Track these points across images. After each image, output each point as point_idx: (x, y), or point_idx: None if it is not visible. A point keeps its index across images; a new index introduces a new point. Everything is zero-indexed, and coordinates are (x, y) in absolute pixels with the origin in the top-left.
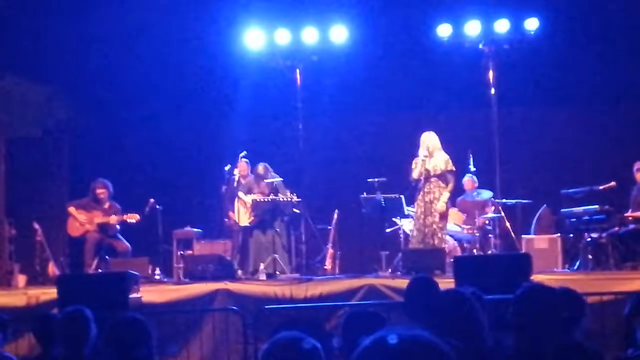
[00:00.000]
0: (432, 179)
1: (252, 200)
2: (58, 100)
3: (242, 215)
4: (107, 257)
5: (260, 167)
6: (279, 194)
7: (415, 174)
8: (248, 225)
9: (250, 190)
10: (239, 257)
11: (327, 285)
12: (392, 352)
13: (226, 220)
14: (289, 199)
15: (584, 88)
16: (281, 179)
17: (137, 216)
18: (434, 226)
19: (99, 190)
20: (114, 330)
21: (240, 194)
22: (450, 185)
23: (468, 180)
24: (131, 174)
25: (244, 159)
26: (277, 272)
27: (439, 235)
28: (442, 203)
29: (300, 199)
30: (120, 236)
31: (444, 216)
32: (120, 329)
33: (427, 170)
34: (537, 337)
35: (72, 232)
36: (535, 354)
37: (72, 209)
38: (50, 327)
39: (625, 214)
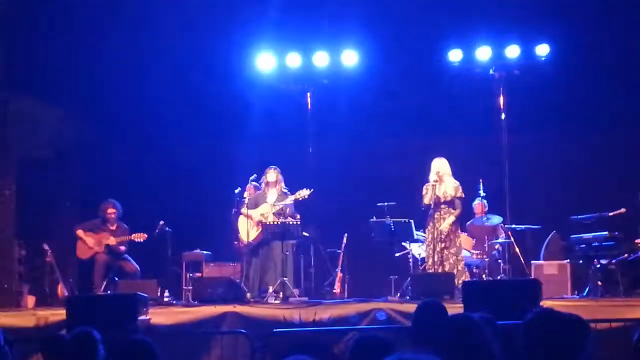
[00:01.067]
0: (442, 206)
1: (262, 222)
2: (70, 121)
3: (247, 232)
4: (116, 278)
5: (271, 173)
6: (288, 217)
7: (426, 200)
8: (253, 241)
9: (257, 204)
10: (246, 279)
11: (336, 309)
12: None
13: (235, 243)
14: (297, 222)
15: (594, 114)
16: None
17: (145, 235)
18: (446, 252)
19: (109, 211)
20: (122, 352)
21: (244, 210)
22: (458, 211)
23: (478, 204)
24: (142, 196)
25: (253, 182)
26: (286, 296)
27: (450, 261)
28: (446, 224)
29: (299, 222)
30: (129, 257)
31: (453, 242)
32: (128, 351)
33: (437, 197)
34: None
35: (81, 255)
36: None
37: (80, 232)
38: (59, 348)
39: (636, 241)
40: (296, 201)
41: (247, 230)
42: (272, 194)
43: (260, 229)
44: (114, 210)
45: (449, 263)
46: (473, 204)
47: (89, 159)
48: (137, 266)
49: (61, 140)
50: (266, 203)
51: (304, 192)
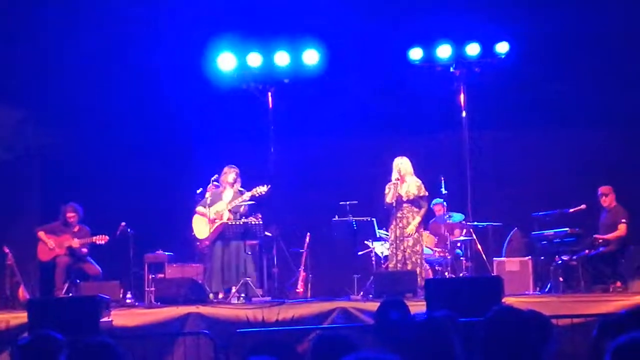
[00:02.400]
0: (405, 205)
1: (222, 223)
2: (29, 124)
3: (202, 228)
4: (77, 280)
5: (230, 172)
6: (250, 217)
7: (388, 199)
8: (206, 240)
9: (213, 202)
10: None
11: (299, 309)
12: None
13: (198, 244)
14: (259, 221)
15: (554, 111)
16: (252, 202)
17: (106, 237)
18: (408, 250)
19: (69, 214)
20: (84, 354)
21: (199, 208)
22: (423, 210)
23: (437, 206)
24: (102, 198)
25: (214, 182)
26: (249, 296)
27: (413, 259)
28: (412, 227)
29: (261, 221)
30: (91, 259)
31: (417, 241)
32: (90, 353)
33: (400, 195)
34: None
35: (42, 256)
36: None
37: (41, 234)
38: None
39: (595, 237)
40: (253, 198)
41: (200, 228)
42: (228, 193)
43: (214, 227)
44: (73, 214)
45: (411, 262)
46: (431, 205)
47: (50, 160)
48: (99, 268)
49: (21, 142)
50: (222, 201)
51: (261, 189)
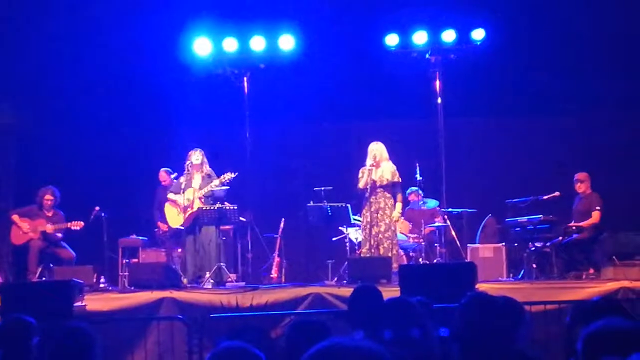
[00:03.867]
0: (378, 190)
1: (198, 208)
2: (3, 104)
3: (174, 217)
4: (51, 265)
5: (196, 155)
6: (225, 203)
7: (361, 184)
8: (182, 226)
9: (180, 188)
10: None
11: (273, 294)
12: None
13: (156, 230)
14: (233, 207)
15: (530, 98)
16: (227, 187)
17: (81, 223)
18: (380, 236)
19: (46, 197)
20: (58, 338)
21: (170, 195)
22: (399, 196)
23: (412, 195)
24: (76, 181)
25: (163, 169)
26: (223, 281)
27: (385, 244)
28: (396, 213)
29: (236, 207)
30: (64, 244)
31: (390, 226)
32: (63, 337)
33: (374, 181)
34: (480, 346)
35: (15, 240)
36: None
37: (15, 217)
38: None
39: (569, 224)
40: (222, 184)
41: (172, 216)
42: (197, 178)
43: (187, 215)
44: (51, 197)
45: (383, 247)
46: (407, 193)
47: (23, 143)
48: (73, 253)
49: None
50: (191, 188)
51: (228, 176)
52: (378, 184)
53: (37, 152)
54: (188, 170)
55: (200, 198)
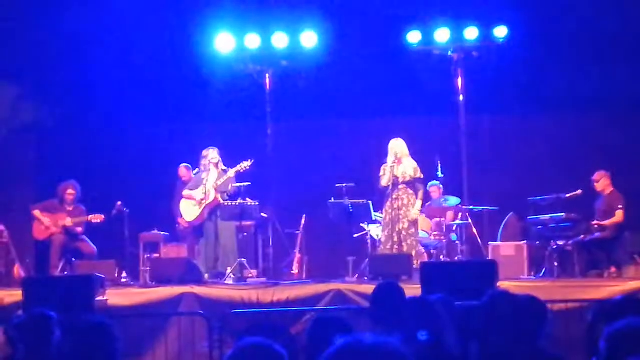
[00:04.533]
0: (401, 186)
1: (219, 202)
2: (25, 100)
3: (190, 210)
4: (73, 259)
5: (213, 154)
6: (246, 199)
7: (384, 182)
8: (195, 221)
9: (197, 184)
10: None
11: (294, 290)
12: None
13: (177, 225)
14: (255, 203)
15: (552, 96)
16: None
17: (102, 216)
18: (404, 233)
19: (68, 191)
20: (79, 333)
21: (185, 192)
22: (421, 193)
23: (434, 189)
24: (98, 176)
25: (183, 165)
26: (244, 277)
27: (408, 242)
28: (415, 211)
29: (257, 202)
30: (86, 238)
31: (413, 223)
32: (85, 332)
33: (396, 177)
34: (501, 344)
35: (37, 235)
36: None
37: (36, 212)
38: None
39: (592, 223)
40: (243, 177)
41: (188, 210)
42: (213, 174)
43: (202, 207)
44: (73, 192)
45: (407, 244)
46: (428, 187)
47: (45, 138)
48: (95, 247)
49: (16, 119)
50: (208, 182)
51: (245, 164)
52: (401, 180)
53: (57, 148)
54: (206, 168)
55: (215, 189)
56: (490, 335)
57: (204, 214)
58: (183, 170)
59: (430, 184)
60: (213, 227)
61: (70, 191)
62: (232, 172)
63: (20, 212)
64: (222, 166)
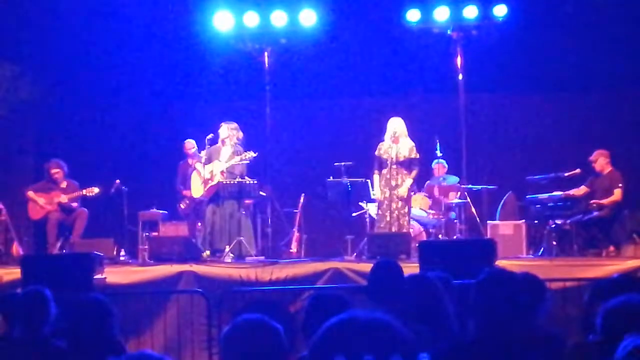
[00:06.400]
0: (395, 166)
1: (219, 182)
2: (25, 79)
3: (196, 187)
4: (70, 235)
5: (223, 129)
6: (245, 177)
7: (375, 194)
8: (201, 197)
9: (210, 159)
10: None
11: (293, 269)
12: (354, 333)
13: (180, 204)
14: (253, 181)
15: (551, 75)
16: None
17: (96, 189)
18: (397, 212)
19: (53, 170)
20: (77, 310)
21: (198, 165)
22: (414, 173)
23: (438, 166)
24: (97, 155)
25: (187, 140)
26: (242, 255)
27: (401, 221)
28: (404, 189)
29: (256, 181)
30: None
31: (406, 202)
32: (83, 309)
33: (391, 157)
34: (498, 322)
35: (33, 215)
36: (496, 339)
37: (30, 193)
38: (11, 306)
39: (591, 202)
40: (242, 161)
41: (196, 186)
42: (225, 151)
43: (207, 188)
44: (57, 170)
45: (398, 224)
46: (432, 164)
47: (44, 117)
48: (84, 209)
49: (15, 98)
50: (218, 161)
51: (249, 154)
52: (395, 160)
53: (58, 125)
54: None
55: (222, 172)
56: (487, 313)
57: (208, 194)
58: (187, 144)
59: (435, 161)
60: (214, 206)
61: (55, 170)
62: (237, 160)
63: (20, 190)
64: (235, 142)
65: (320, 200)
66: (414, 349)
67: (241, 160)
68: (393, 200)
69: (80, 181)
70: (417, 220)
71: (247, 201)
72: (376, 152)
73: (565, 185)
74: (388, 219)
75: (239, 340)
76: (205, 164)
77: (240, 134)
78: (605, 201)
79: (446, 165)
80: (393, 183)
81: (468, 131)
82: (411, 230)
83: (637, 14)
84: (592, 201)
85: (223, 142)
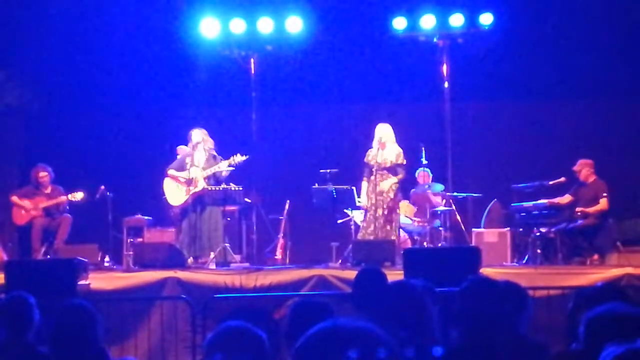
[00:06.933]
0: (381, 172)
1: (203, 188)
2: (11, 84)
3: (175, 194)
4: (54, 241)
5: (196, 134)
6: (230, 184)
7: (362, 201)
8: (182, 205)
9: (182, 166)
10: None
11: (277, 275)
12: (336, 341)
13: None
14: (239, 188)
15: (537, 83)
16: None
17: (81, 194)
18: (383, 219)
19: (40, 174)
20: (61, 316)
21: (171, 171)
22: (400, 175)
23: (422, 174)
24: (82, 160)
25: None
26: (227, 262)
27: (387, 227)
28: (387, 183)
29: (241, 188)
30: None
31: (392, 209)
32: (67, 315)
33: (378, 163)
34: (481, 330)
35: (17, 220)
36: (479, 346)
37: (15, 199)
38: None
39: (577, 209)
40: (230, 166)
41: (173, 193)
42: (199, 156)
43: (189, 195)
44: (45, 174)
45: (385, 230)
46: (416, 173)
47: (30, 122)
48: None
49: (1, 103)
50: (195, 167)
51: (239, 158)
52: (382, 166)
53: (43, 132)
54: (191, 150)
55: (205, 178)
56: (469, 321)
57: (191, 199)
58: (182, 150)
59: (419, 169)
60: (198, 213)
61: (42, 173)
62: (225, 164)
63: (5, 195)
64: (210, 146)
65: (305, 207)
66: (396, 357)
67: (228, 164)
68: (379, 207)
69: (65, 187)
70: (402, 228)
71: (231, 208)
72: (365, 159)
73: (550, 193)
74: (376, 224)
75: (222, 348)
76: (181, 170)
77: (212, 141)
78: (591, 209)
79: (431, 174)
80: (378, 189)
81: (453, 139)
82: (395, 238)
83: (624, 22)
84: (577, 209)
85: (195, 147)
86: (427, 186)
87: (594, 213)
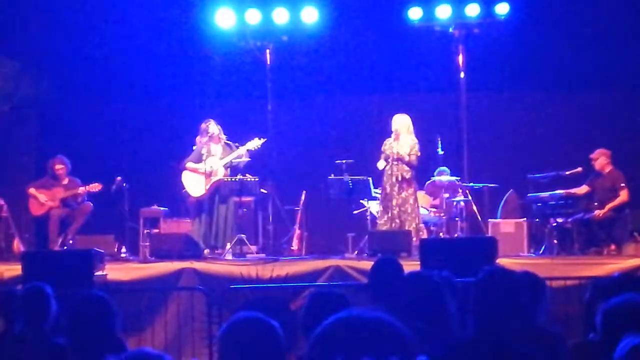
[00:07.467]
0: (396, 162)
1: (220, 179)
2: (27, 75)
3: (195, 186)
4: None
5: (212, 126)
6: (246, 175)
7: (380, 164)
8: (202, 196)
9: (200, 158)
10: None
11: (293, 266)
12: (352, 332)
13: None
14: (254, 178)
15: (553, 73)
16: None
17: (99, 185)
18: (397, 209)
19: (57, 166)
20: (78, 307)
21: (189, 164)
22: (412, 189)
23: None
24: (99, 151)
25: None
26: (244, 252)
27: (403, 217)
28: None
29: (257, 178)
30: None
31: (406, 200)
32: (84, 306)
33: (393, 153)
34: (498, 320)
35: (34, 211)
36: (496, 337)
37: (32, 190)
38: (11, 303)
39: (604, 206)
40: (249, 152)
41: (193, 185)
42: (216, 148)
43: (210, 184)
44: (62, 166)
45: (400, 220)
46: (435, 173)
47: (45, 113)
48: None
49: (17, 95)
50: (212, 156)
51: (256, 142)
52: (396, 156)
53: (59, 122)
54: (207, 141)
55: (224, 166)
56: (486, 312)
57: (211, 189)
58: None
59: (437, 170)
60: (215, 203)
61: (59, 166)
62: (243, 150)
63: (21, 187)
64: (224, 139)
65: (321, 198)
66: (413, 349)
67: (247, 150)
68: (395, 197)
69: (82, 178)
70: (414, 218)
71: (247, 198)
72: (382, 148)
73: (567, 183)
74: (390, 214)
75: (236, 338)
76: (198, 162)
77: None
78: (614, 203)
79: (449, 173)
80: (394, 179)
81: (469, 129)
82: (412, 228)
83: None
84: (605, 206)
85: (213, 138)
86: (443, 177)
87: (617, 206)
